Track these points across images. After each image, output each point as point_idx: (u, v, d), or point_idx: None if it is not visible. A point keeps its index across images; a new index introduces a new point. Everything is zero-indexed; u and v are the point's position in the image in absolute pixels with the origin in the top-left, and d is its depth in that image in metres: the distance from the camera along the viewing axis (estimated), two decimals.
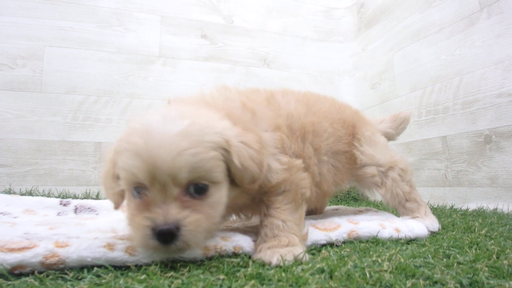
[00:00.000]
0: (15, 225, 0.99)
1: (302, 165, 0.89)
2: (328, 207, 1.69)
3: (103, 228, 0.97)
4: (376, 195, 1.30)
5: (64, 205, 1.40)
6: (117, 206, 0.77)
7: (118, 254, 0.68)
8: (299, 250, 0.75)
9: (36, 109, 2.22)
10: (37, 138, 2.19)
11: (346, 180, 1.20)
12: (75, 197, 1.92)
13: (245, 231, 0.93)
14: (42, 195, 1.86)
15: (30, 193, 1.94)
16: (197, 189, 0.67)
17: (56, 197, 1.80)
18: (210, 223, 0.69)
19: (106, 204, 1.45)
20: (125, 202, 0.76)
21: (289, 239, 0.76)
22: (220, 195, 0.71)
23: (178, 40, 2.59)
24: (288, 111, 0.99)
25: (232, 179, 0.75)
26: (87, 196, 2.00)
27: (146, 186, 0.66)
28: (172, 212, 0.64)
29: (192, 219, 0.65)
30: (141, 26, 2.52)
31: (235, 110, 0.85)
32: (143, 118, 0.72)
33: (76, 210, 1.39)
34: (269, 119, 0.90)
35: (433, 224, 1.11)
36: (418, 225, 1.04)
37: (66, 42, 2.33)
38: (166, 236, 0.63)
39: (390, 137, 1.45)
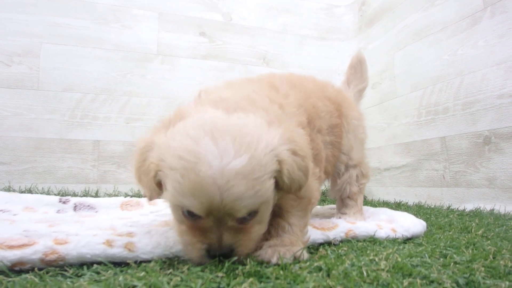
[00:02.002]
0: (14, 222, 1.00)
1: (319, 174, 0.90)
2: (325, 206, 1.70)
3: (102, 226, 0.97)
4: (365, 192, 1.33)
5: (64, 202, 1.40)
6: (152, 199, 0.76)
7: (117, 251, 0.69)
8: (298, 248, 0.75)
9: (34, 107, 2.21)
10: (35, 136, 2.19)
11: (338, 155, 1.22)
12: (74, 194, 1.93)
13: None
14: (41, 193, 1.86)
15: (29, 191, 1.94)
16: (249, 214, 0.68)
17: (55, 194, 1.80)
18: (258, 237, 0.73)
19: (106, 202, 1.46)
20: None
21: (291, 241, 0.77)
22: (268, 208, 0.72)
23: (176, 37, 2.59)
24: (298, 102, 0.96)
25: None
26: (86, 194, 2.00)
27: (200, 215, 0.66)
28: (226, 240, 0.66)
29: (243, 242, 0.68)
30: (139, 23, 2.51)
31: (273, 110, 0.82)
32: (189, 132, 0.66)
33: (75, 207, 1.39)
34: (293, 114, 0.89)
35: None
36: (414, 224, 1.04)
37: (63, 39, 2.32)
38: (221, 255, 0.67)
39: (363, 90, 1.49)
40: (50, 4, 2.32)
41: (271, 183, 0.68)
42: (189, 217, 0.67)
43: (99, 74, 2.37)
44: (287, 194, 0.77)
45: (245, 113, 0.73)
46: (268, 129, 0.71)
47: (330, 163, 1.13)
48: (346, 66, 1.54)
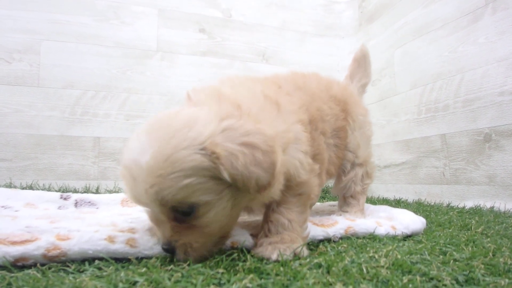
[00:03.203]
0: (16, 218, 1.00)
1: (318, 170, 0.89)
2: (325, 203, 1.70)
3: (103, 222, 0.98)
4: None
5: (65, 199, 1.40)
6: None
7: (119, 246, 0.69)
8: (298, 245, 0.75)
9: (34, 104, 2.21)
10: (36, 133, 2.19)
11: (343, 156, 1.21)
12: (75, 191, 1.93)
13: (242, 225, 0.94)
14: (42, 189, 1.86)
15: (30, 187, 1.94)
16: (183, 213, 0.66)
17: (56, 191, 1.81)
18: (205, 240, 0.69)
19: (106, 198, 1.46)
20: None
21: (291, 238, 0.77)
22: (214, 213, 0.67)
23: (175, 34, 2.58)
24: (302, 103, 0.95)
25: None
26: (87, 190, 2.01)
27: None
28: (166, 235, 0.68)
29: (182, 242, 0.67)
30: (138, 20, 2.50)
31: (254, 103, 0.77)
32: (136, 131, 0.71)
33: (76, 204, 1.40)
34: (293, 112, 0.87)
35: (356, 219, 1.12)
36: (413, 221, 1.05)
37: (63, 36, 2.31)
38: (169, 251, 0.69)
39: (366, 85, 1.47)
40: (50, 1, 2.31)
41: (191, 181, 0.62)
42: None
43: (99, 71, 2.37)
44: (255, 195, 0.68)
45: (203, 107, 0.71)
46: (207, 122, 0.65)
47: (334, 164, 1.12)
48: (346, 63, 1.53)
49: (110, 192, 2.01)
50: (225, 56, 2.68)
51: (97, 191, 2.00)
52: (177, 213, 0.66)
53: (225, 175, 0.62)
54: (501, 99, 1.73)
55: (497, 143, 1.74)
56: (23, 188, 1.82)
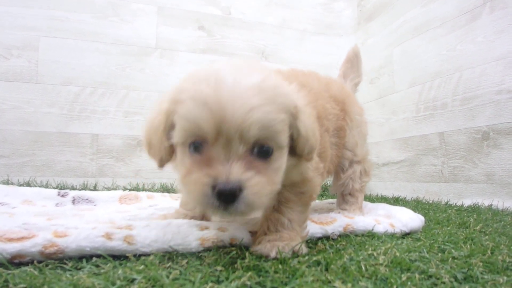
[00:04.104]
0: (13, 215, 0.99)
1: (322, 169, 0.89)
2: (324, 201, 1.70)
3: (101, 219, 0.98)
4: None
5: (62, 196, 1.40)
6: (162, 164, 0.73)
7: (117, 243, 0.69)
8: (296, 243, 0.75)
9: (32, 100, 2.20)
10: (34, 130, 2.18)
11: (342, 155, 1.22)
12: (72, 188, 1.92)
13: (241, 223, 0.93)
14: (40, 186, 1.86)
15: (28, 184, 1.93)
16: (261, 152, 0.63)
17: (54, 188, 1.80)
18: (272, 188, 0.65)
19: (104, 195, 1.46)
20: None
21: (290, 237, 0.77)
22: (283, 161, 0.68)
23: (175, 31, 2.57)
24: (308, 99, 0.95)
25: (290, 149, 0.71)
26: (84, 188, 2.00)
27: (208, 140, 0.61)
28: (235, 171, 0.59)
29: (256, 181, 0.60)
30: (138, 17, 2.49)
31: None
32: (208, 67, 0.67)
33: (74, 201, 1.39)
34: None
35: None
36: (412, 219, 1.05)
37: (61, 32, 2.30)
38: (227, 196, 0.58)
39: (358, 84, 1.49)
40: None
41: (285, 118, 0.65)
42: (195, 153, 0.63)
43: (98, 68, 2.36)
44: (298, 161, 0.73)
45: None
46: (286, 83, 0.71)
47: (333, 163, 1.13)
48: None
49: (108, 189, 2.00)
50: (224, 53, 2.67)
51: (95, 188, 1.99)
52: (253, 153, 0.62)
53: (302, 127, 0.69)
54: (499, 97, 1.73)
55: (495, 141, 1.75)
56: (20, 185, 1.81)
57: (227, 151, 0.60)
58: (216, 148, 0.61)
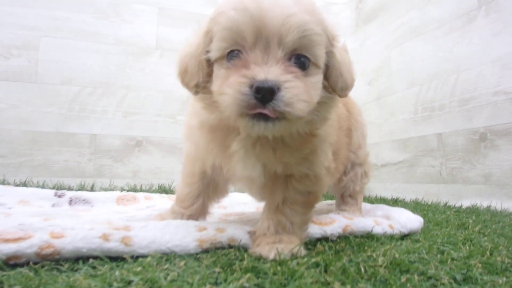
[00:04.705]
0: (9, 215, 0.99)
1: (333, 170, 0.88)
2: (323, 202, 1.70)
3: (98, 220, 0.97)
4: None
5: (59, 196, 1.39)
6: (197, 90, 0.71)
7: (114, 245, 0.68)
8: (295, 245, 0.75)
9: (31, 100, 2.20)
10: (32, 129, 2.17)
11: (349, 156, 1.21)
12: (69, 188, 1.91)
13: (240, 223, 0.93)
14: (36, 187, 1.84)
15: (24, 184, 1.92)
16: (299, 62, 0.63)
17: (50, 188, 1.79)
18: (310, 96, 0.63)
19: (101, 196, 1.45)
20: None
21: (290, 240, 0.76)
22: (319, 79, 0.67)
23: (175, 32, 2.57)
24: None
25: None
26: (81, 188, 1.99)
27: (247, 46, 0.61)
28: (274, 72, 0.59)
29: (294, 84, 0.60)
30: (138, 18, 2.49)
31: None
32: None
33: (71, 201, 1.38)
34: None
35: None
36: (410, 220, 1.04)
37: (62, 32, 2.30)
38: (266, 93, 0.57)
39: None
40: None
41: (323, 37, 0.65)
42: (234, 60, 0.63)
43: (98, 68, 2.36)
44: (330, 97, 0.72)
45: None
46: None
47: (343, 164, 1.12)
48: None
49: (106, 190, 1.99)
50: None
51: (92, 189, 1.98)
52: (291, 60, 0.63)
53: (338, 55, 0.69)
54: (495, 98, 1.74)
55: (492, 143, 1.75)
56: (17, 185, 1.80)
57: (265, 55, 0.60)
58: (254, 52, 0.61)
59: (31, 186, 1.89)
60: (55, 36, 2.28)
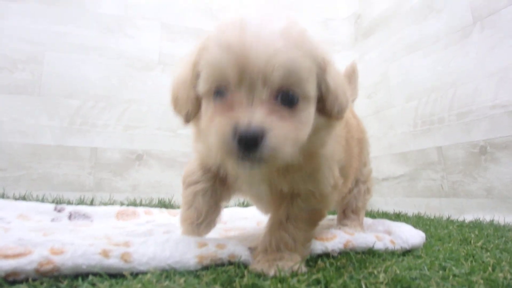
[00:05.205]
0: (8, 230, 0.98)
1: (340, 186, 0.86)
2: None
3: (97, 235, 0.96)
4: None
5: (59, 211, 1.38)
6: (188, 119, 0.71)
7: (114, 261, 0.67)
8: (296, 261, 0.74)
9: (33, 113, 2.21)
10: (32, 142, 2.18)
11: (359, 168, 1.20)
12: (69, 203, 1.90)
13: (240, 239, 0.92)
14: (36, 200, 1.83)
15: (23, 198, 1.91)
16: (286, 99, 0.60)
17: (50, 202, 1.78)
18: (297, 137, 0.61)
19: (101, 210, 1.44)
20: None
21: (292, 257, 0.75)
22: (309, 112, 0.64)
23: (177, 46, 2.61)
24: None
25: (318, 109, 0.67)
26: (81, 202, 1.98)
27: (231, 86, 0.59)
28: (258, 115, 0.56)
29: (280, 126, 0.58)
30: (141, 33, 2.53)
31: None
32: (236, 14, 0.65)
33: (70, 216, 1.38)
34: None
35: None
36: (412, 235, 1.04)
37: (66, 46, 2.34)
38: (249, 141, 0.55)
39: (354, 101, 1.45)
40: (56, 13, 2.34)
41: (312, 67, 0.62)
42: (218, 99, 0.61)
43: (101, 82, 2.38)
44: (327, 121, 0.69)
45: None
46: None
47: (351, 178, 1.09)
48: None
49: (105, 204, 1.98)
50: None
51: (91, 203, 1.97)
52: (277, 100, 0.60)
53: (330, 81, 0.65)
54: (493, 112, 1.75)
55: (492, 156, 1.75)
56: (16, 199, 1.80)
57: (250, 96, 0.58)
58: (239, 92, 0.59)
59: (30, 200, 1.89)
60: (59, 50, 2.32)
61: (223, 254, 0.76)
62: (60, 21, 2.35)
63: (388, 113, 2.52)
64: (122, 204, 1.94)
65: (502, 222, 1.61)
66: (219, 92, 0.62)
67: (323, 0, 3.14)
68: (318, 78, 0.65)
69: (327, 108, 0.67)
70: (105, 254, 0.68)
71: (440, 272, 0.74)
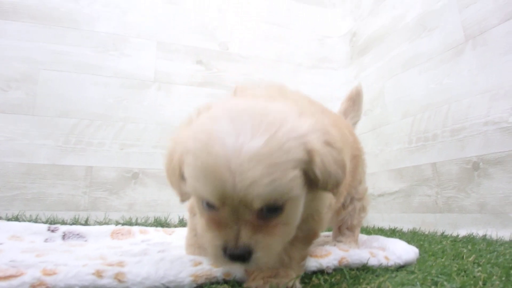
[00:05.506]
0: (0, 252, 0.97)
1: (335, 206, 0.88)
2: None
3: (92, 255, 0.96)
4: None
5: (52, 231, 1.37)
6: (183, 200, 0.73)
7: (107, 281, 0.67)
8: (290, 279, 0.74)
9: (28, 132, 2.21)
10: (26, 162, 2.17)
11: (353, 185, 1.20)
12: (63, 222, 1.89)
13: None
14: (29, 220, 1.82)
15: (16, 218, 1.89)
16: (271, 209, 0.61)
17: (43, 222, 1.77)
18: (283, 242, 0.66)
19: (96, 230, 1.44)
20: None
21: (287, 273, 0.75)
22: (296, 207, 0.66)
23: (173, 65, 2.65)
24: (329, 122, 0.87)
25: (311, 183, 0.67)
26: (75, 222, 1.96)
27: (216, 205, 0.61)
28: (243, 237, 0.60)
29: (264, 244, 0.61)
30: (137, 51, 2.57)
31: (306, 104, 0.80)
32: (211, 116, 0.64)
33: (64, 236, 1.37)
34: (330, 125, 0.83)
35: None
36: (406, 251, 1.04)
37: (62, 65, 2.36)
38: (238, 258, 0.60)
39: (357, 123, 1.48)
40: (51, 32, 2.37)
41: (295, 174, 0.60)
42: (208, 209, 0.63)
43: (96, 100, 2.40)
44: (320, 193, 0.71)
45: (272, 101, 0.69)
46: (296, 116, 0.65)
47: (343, 194, 1.09)
48: (339, 94, 1.57)
49: (100, 223, 1.97)
50: (221, 86, 2.74)
51: (86, 223, 1.95)
52: (262, 212, 0.60)
53: (317, 171, 0.63)
54: (486, 128, 1.78)
55: (485, 171, 1.77)
56: (9, 219, 1.78)
57: (234, 216, 0.60)
58: (223, 213, 0.60)
59: (23, 220, 1.87)
60: (54, 69, 2.34)
61: (218, 272, 0.76)
62: (55, 40, 2.38)
63: (384, 129, 2.56)
64: (117, 223, 1.93)
65: (494, 237, 1.62)
66: (207, 203, 0.63)
67: (319, 19, 3.23)
68: (306, 169, 0.63)
69: (322, 185, 0.67)
70: (99, 274, 0.68)
71: (432, 287, 0.74)
